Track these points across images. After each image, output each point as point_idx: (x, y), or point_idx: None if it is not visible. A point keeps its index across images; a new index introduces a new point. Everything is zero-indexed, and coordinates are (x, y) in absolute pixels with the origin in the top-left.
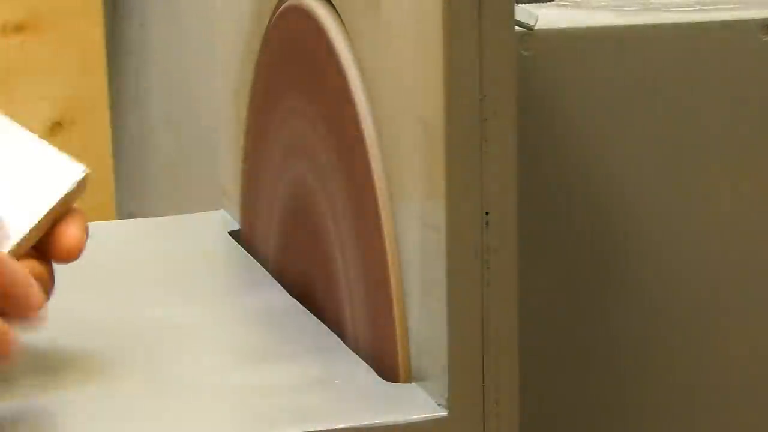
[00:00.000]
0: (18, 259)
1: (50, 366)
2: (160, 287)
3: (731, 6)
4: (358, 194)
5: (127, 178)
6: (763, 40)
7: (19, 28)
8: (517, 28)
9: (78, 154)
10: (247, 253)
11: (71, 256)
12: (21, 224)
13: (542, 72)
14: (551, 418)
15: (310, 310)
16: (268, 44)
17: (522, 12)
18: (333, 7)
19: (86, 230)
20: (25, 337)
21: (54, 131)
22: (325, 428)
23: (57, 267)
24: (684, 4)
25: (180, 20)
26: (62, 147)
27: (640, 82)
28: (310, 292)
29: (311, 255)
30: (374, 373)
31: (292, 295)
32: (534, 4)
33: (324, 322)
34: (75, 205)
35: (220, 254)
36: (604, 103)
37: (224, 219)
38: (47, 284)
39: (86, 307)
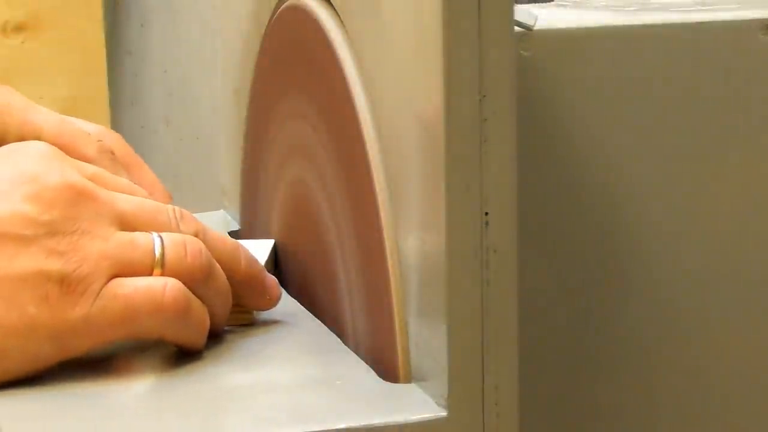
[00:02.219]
0: None
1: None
2: None
3: (731, 6)
4: (357, 194)
5: None
6: (763, 40)
7: (19, 28)
8: (516, 28)
9: None
10: None
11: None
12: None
13: (542, 72)
14: (551, 418)
15: (310, 310)
16: (268, 44)
17: (522, 12)
18: (333, 7)
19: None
20: None
21: None
22: (325, 428)
23: None
24: (684, 4)
25: (180, 20)
26: None
27: (640, 82)
28: (311, 291)
29: (312, 255)
30: (374, 373)
31: (292, 295)
32: (534, 4)
33: (324, 322)
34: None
35: None
36: (604, 103)
37: (224, 219)
38: None
39: None
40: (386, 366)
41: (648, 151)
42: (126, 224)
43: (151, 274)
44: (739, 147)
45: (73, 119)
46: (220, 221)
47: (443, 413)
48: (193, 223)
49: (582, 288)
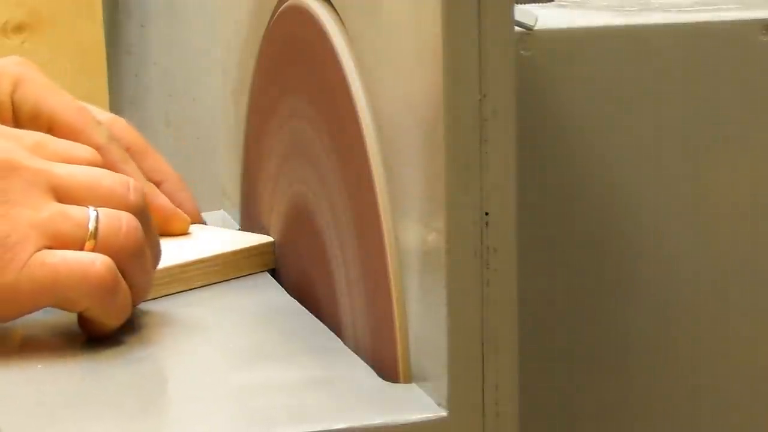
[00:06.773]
0: None
1: (48, 361)
2: None
3: (731, 6)
4: (357, 194)
5: None
6: (763, 40)
7: (19, 28)
8: (516, 28)
9: None
10: None
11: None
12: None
13: (542, 72)
14: (551, 418)
15: (310, 310)
16: (268, 44)
17: (522, 12)
18: (332, 7)
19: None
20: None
21: None
22: (325, 428)
23: None
24: (684, 4)
25: (180, 20)
26: None
27: (640, 83)
28: (310, 292)
29: (311, 255)
30: (374, 373)
31: (292, 295)
32: (534, 4)
33: (324, 322)
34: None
35: None
36: (604, 104)
37: (224, 219)
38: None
39: None
40: (386, 366)
41: (647, 151)
42: (62, 194)
43: (83, 247)
44: (738, 147)
45: (90, 107)
46: (219, 221)
47: (443, 413)
48: (139, 197)
49: (582, 288)
